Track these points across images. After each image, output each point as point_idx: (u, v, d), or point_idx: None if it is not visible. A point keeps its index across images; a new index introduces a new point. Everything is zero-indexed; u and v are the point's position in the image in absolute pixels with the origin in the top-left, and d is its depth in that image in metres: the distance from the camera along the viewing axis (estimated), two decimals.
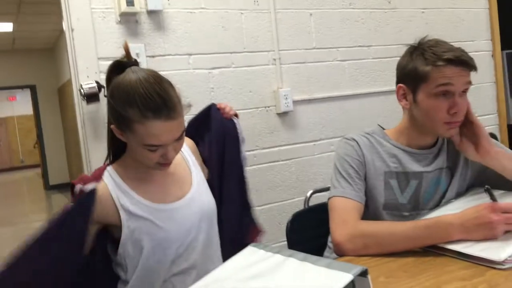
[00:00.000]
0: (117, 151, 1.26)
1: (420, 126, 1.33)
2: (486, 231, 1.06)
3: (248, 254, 1.05)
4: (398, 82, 1.37)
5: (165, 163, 1.17)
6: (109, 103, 1.15)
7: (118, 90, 1.12)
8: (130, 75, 1.13)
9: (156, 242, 1.17)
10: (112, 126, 1.17)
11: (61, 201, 8.12)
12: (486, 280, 0.93)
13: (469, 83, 1.27)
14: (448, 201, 1.33)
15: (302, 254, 0.95)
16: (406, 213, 1.33)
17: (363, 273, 0.82)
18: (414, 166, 1.34)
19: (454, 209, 1.16)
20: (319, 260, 0.90)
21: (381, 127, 1.44)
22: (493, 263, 0.98)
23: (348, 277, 0.80)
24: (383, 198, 1.33)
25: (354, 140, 1.37)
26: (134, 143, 1.15)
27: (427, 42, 1.30)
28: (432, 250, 1.11)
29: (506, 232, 1.06)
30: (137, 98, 1.08)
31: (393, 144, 1.37)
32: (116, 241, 1.19)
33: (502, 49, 3.14)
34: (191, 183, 1.28)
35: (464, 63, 1.24)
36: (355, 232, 1.17)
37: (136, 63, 1.21)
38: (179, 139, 1.15)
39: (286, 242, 1.59)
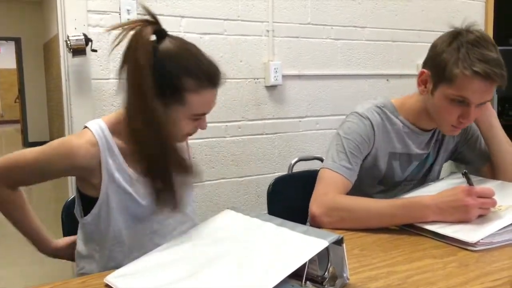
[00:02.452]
0: None
1: (430, 114, 1.30)
2: (461, 214, 1.07)
3: (225, 217, 1.06)
4: (425, 64, 1.28)
5: (194, 132, 1.15)
6: (151, 74, 1.02)
7: (171, 60, 1.04)
8: (179, 42, 1.07)
9: (129, 216, 1.13)
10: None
11: None
12: (457, 260, 0.95)
13: (491, 98, 1.21)
14: (427, 184, 1.36)
15: (279, 220, 0.95)
16: (397, 186, 1.37)
17: (339, 242, 0.82)
18: (417, 148, 1.36)
19: (432, 191, 1.17)
20: (296, 226, 0.90)
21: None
22: (466, 244, 1.00)
23: (323, 244, 0.80)
24: (381, 175, 1.35)
25: (369, 119, 1.31)
26: (179, 115, 1.07)
27: (470, 34, 1.19)
28: (407, 228, 1.12)
29: (480, 216, 1.08)
30: (194, 67, 1.05)
31: (402, 122, 1.35)
32: (84, 198, 1.15)
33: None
34: None
35: (492, 80, 1.16)
36: (332, 205, 1.18)
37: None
38: None
39: None
